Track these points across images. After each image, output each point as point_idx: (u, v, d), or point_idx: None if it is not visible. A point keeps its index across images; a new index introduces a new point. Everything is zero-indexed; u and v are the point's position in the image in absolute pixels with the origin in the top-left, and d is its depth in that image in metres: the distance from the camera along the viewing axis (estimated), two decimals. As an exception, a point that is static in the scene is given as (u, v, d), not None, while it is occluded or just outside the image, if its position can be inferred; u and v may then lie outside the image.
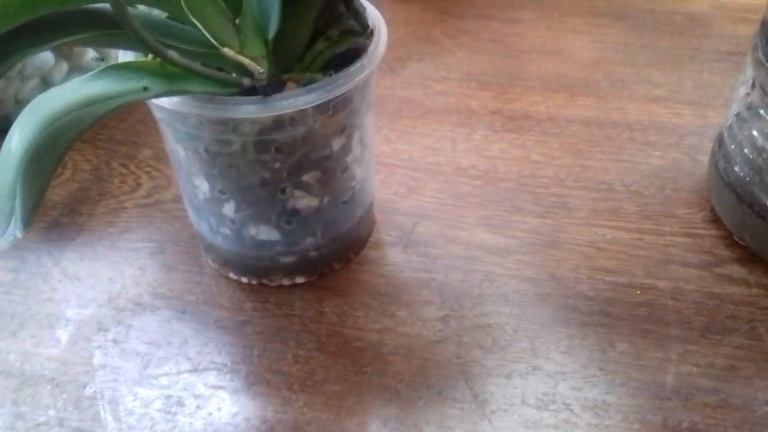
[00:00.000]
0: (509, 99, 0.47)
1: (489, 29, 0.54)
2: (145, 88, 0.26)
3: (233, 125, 0.29)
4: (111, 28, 0.25)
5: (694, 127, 0.44)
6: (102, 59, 0.46)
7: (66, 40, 0.24)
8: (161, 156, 0.43)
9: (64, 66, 0.44)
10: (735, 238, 0.36)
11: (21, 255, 0.37)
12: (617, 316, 0.33)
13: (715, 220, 0.38)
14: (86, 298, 0.35)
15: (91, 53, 0.45)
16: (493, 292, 0.34)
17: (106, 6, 0.24)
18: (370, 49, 0.30)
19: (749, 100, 0.34)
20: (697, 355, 0.31)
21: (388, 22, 0.31)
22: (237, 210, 0.32)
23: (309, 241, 0.34)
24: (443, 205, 0.39)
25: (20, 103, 0.43)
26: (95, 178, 0.42)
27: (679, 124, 0.44)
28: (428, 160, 0.43)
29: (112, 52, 0.45)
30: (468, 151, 0.43)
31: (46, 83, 0.43)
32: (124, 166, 0.42)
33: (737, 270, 0.35)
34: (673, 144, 0.43)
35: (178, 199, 0.40)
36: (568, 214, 0.39)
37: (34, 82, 0.43)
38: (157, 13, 0.29)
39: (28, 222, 0.25)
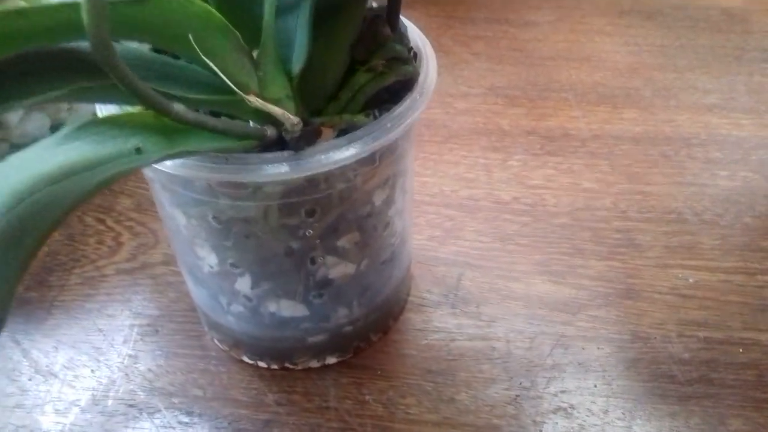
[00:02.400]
0: (543, 115, 0.41)
1: (505, 35, 0.48)
2: (138, 150, 0.19)
3: (253, 188, 0.22)
4: (91, 78, 0.18)
5: (759, 139, 0.39)
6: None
7: (31, 100, 0.17)
8: (144, 206, 0.36)
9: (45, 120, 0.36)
10: (838, 274, 0.31)
11: (-21, 346, 0.30)
12: (722, 383, 0.28)
13: (810, 252, 0.32)
14: (66, 400, 0.28)
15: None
16: (569, 360, 0.28)
17: (83, 47, 0.17)
18: (420, 79, 0.23)
19: None
20: (828, 430, 0.26)
21: None
22: (254, 285, 0.26)
23: (342, 313, 0.28)
24: (489, 250, 0.33)
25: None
26: (66, 239, 0.34)
27: (741, 136, 0.39)
28: (462, 194, 0.36)
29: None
30: (507, 181, 0.37)
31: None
32: (100, 221, 0.35)
33: None
34: (740, 160, 0.37)
35: (168, 261, 0.33)
36: (638, 253, 0.33)
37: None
38: (137, 45, 0.22)
39: (3, 314, 0.18)
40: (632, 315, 0.30)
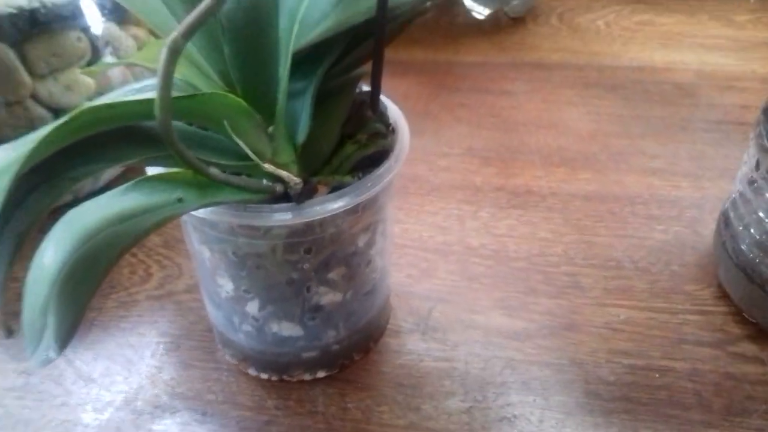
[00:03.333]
0: (512, 174, 0.48)
1: (485, 103, 0.55)
2: (180, 200, 0.26)
3: (264, 230, 0.29)
4: (156, 149, 0.25)
5: (693, 200, 0.45)
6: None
7: (113, 165, 0.24)
8: (170, 243, 0.42)
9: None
10: (744, 314, 0.37)
11: (19, 364, 0.36)
12: (638, 401, 0.34)
13: (723, 296, 0.39)
14: (103, 401, 0.34)
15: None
16: (515, 379, 0.35)
17: (149, 126, 0.24)
18: (396, 150, 0.30)
19: (755, 183, 0.35)
20: (722, 440, 0.32)
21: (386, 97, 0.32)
22: (261, 308, 0.32)
23: (331, 334, 0.34)
24: (457, 288, 0.40)
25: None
26: (103, 268, 0.41)
27: (678, 196, 0.46)
28: (438, 239, 0.43)
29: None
30: (477, 230, 0.43)
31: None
32: (133, 254, 0.42)
33: (750, 348, 0.36)
34: (675, 217, 0.44)
35: (190, 290, 0.40)
36: (581, 293, 0.39)
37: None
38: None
39: (65, 343, 0.25)
40: (571, 344, 0.36)
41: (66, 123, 0.22)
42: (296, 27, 0.27)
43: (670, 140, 0.51)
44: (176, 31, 0.21)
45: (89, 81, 0.41)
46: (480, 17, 0.64)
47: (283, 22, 0.28)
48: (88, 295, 0.26)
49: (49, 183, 0.24)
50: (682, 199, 0.45)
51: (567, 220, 0.44)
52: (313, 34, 0.28)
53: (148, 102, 0.23)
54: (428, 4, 0.28)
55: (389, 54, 0.28)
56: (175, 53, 0.21)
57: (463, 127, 0.53)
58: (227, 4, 0.27)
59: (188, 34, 0.21)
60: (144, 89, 0.28)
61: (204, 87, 0.29)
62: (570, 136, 0.51)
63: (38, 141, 0.21)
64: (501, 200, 0.46)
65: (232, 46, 0.28)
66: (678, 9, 0.65)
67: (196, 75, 0.30)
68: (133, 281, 0.40)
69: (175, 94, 0.22)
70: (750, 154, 0.36)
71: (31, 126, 0.40)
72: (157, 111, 0.22)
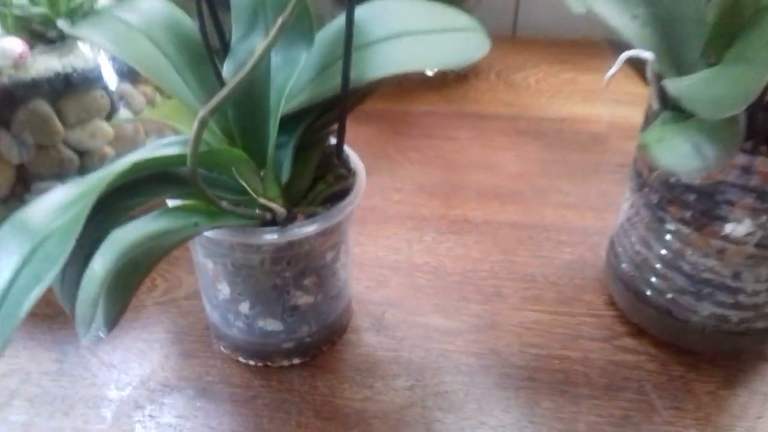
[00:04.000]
0: (452, 206, 0.59)
1: (434, 147, 0.66)
2: (196, 224, 0.36)
3: (256, 247, 0.39)
4: (181, 188, 0.35)
5: (597, 228, 0.56)
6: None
7: (152, 199, 0.34)
8: (171, 260, 0.52)
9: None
10: (627, 317, 0.48)
11: (62, 348, 0.45)
12: (541, 380, 0.44)
13: (612, 303, 0.49)
14: (123, 382, 0.43)
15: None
16: (447, 365, 0.45)
17: (179, 171, 0.34)
18: (355, 187, 0.41)
19: (630, 218, 0.46)
20: (601, 408, 0.42)
21: (350, 142, 0.42)
22: (251, 308, 0.42)
23: (305, 329, 0.44)
24: (405, 296, 0.50)
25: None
26: (117, 280, 0.50)
27: (585, 225, 0.57)
28: (390, 258, 0.53)
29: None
30: (421, 251, 0.54)
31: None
32: (142, 269, 0.51)
33: (629, 342, 0.47)
34: (581, 242, 0.55)
35: (189, 297, 0.49)
36: (502, 301, 0.50)
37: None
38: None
39: (112, 327, 0.34)
40: (492, 339, 0.47)
41: (127, 170, 0.32)
42: (283, 99, 0.38)
43: (583, 180, 0.62)
44: (204, 110, 0.31)
45: (109, 130, 0.51)
46: (430, 74, 0.75)
47: (272, 94, 0.38)
48: (130, 293, 0.35)
49: (109, 210, 0.33)
50: (587, 228, 0.57)
51: (495, 244, 0.55)
52: (295, 103, 0.38)
53: (182, 156, 0.33)
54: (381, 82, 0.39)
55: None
56: (203, 125, 0.31)
57: (414, 167, 0.64)
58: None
59: (213, 111, 0.31)
60: (170, 144, 0.38)
61: (211, 140, 0.40)
62: (502, 175, 0.63)
63: (108, 180, 0.31)
64: (442, 227, 0.56)
65: (234, 112, 0.39)
66: (597, 69, 0.77)
67: (205, 131, 0.40)
68: (142, 290, 0.50)
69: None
70: (627, 195, 0.47)
71: (62, 165, 0.49)
72: (188, 162, 0.32)
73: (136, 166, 0.32)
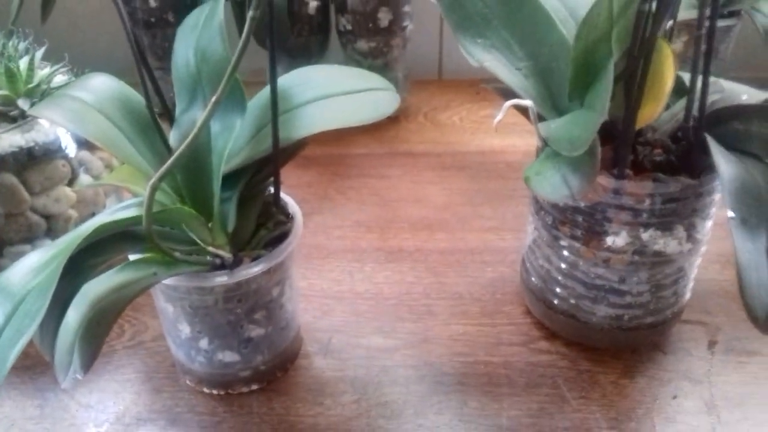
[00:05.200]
0: (387, 238, 0.66)
1: (368, 185, 0.73)
2: (155, 274, 0.42)
3: (210, 289, 0.45)
4: (139, 244, 0.41)
5: (514, 248, 0.64)
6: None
7: (115, 256, 0.40)
8: (137, 307, 0.57)
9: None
10: (541, 323, 0.55)
11: (43, 395, 0.50)
12: (468, 384, 0.51)
13: (528, 312, 0.56)
14: (100, 419, 0.48)
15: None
16: (387, 378, 0.51)
17: (137, 229, 0.40)
18: (293, 231, 0.47)
19: (534, 236, 0.54)
20: (520, 403, 0.49)
21: (294, 186, 0.49)
22: (210, 343, 0.48)
23: (259, 359, 0.50)
24: (348, 322, 0.56)
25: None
26: (87, 330, 0.55)
27: (504, 246, 0.64)
28: (334, 289, 0.60)
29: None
30: (362, 280, 0.60)
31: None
32: (109, 318, 0.56)
33: (544, 344, 0.54)
34: (501, 261, 0.62)
35: (155, 339, 0.55)
36: (433, 318, 0.56)
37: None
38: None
39: (87, 369, 0.40)
40: (425, 352, 0.53)
41: (92, 232, 0.38)
42: (223, 160, 0.44)
43: (501, 205, 0.70)
44: (154, 177, 0.37)
45: (72, 194, 0.56)
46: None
47: (214, 157, 0.45)
48: (102, 339, 0.41)
49: (79, 268, 0.39)
50: (506, 248, 0.64)
51: (427, 268, 0.62)
52: (234, 163, 0.45)
53: (138, 217, 0.39)
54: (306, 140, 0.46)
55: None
56: (154, 190, 0.37)
57: (352, 205, 0.70)
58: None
59: (162, 178, 0.37)
60: (128, 206, 0.44)
61: (164, 199, 0.46)
62: (430, 207, 0.70)
63: (76, 242, 0.37)
64: (380, 258, 0.63)
65: (182, 174, 0.45)
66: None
67: (158, 192, 0.46)
68: (112, 336, 0.55)
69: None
70: (530, 219, 0.55)
71: (30, 230, 0.55)
72: (144, 222, 0.38)
73: (100, 229, 0.38)
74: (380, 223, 0.68)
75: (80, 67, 0.60)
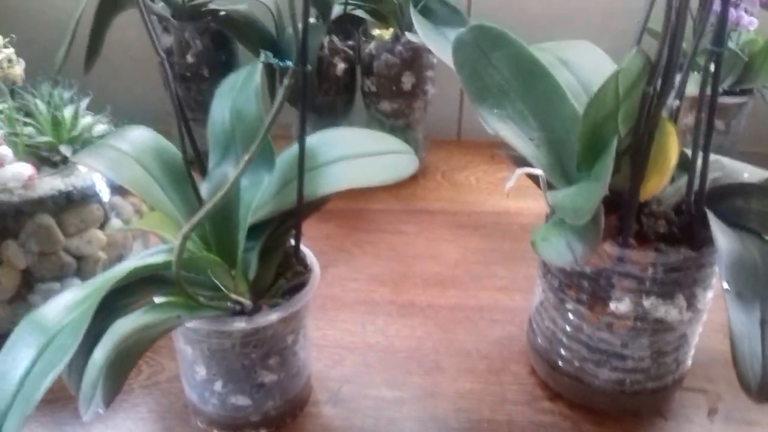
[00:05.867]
0: (400, 292, 0.68)
1: (385, 240, 0.76)
2: (179, 317, 0.44)
3: (228, 333, 0.47)
4: (167, 287, 0.43)
5: (523, 308, 0.65)
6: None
7: (144, 298, 0.43)
8: (155, 348, 0.60)
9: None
10: (545, 383, 0.57)
11: (62, 429, 0.52)
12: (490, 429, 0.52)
13: (534, 372, 0.58)
14: (114, 455, 0.50)
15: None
16: (394, 429, 0.52)
17: (166, 274, 0.43)
18: (310, 282, 0.50)
19: (541, 298, 0.56)
20: (522, 462, 0.50)
21: (313, 237, 0.51)
22: (224, 386, 0.50)
23: (270, 404, 0.51)
24: (358, 372, 0.58)
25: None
26: (107, 367, 0.58)
27: (513, 305, 0.66)
28: (347, 340, 0.62)
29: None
30: (374, 332, 0.62)
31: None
32: (129, 357, 0.59)
33: (548, 405, 0.55)
34: (510, 320, 0.64)
35: (170, 380, 0.57)
36: (441, 373, 0.58)
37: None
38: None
39: (108, 404, 0.42)
40: (431, 406, 0.55)
41: (125, 276, 0.40)
42: (250, 213, 0.47)
43: (512, 266, 0.72)
44: (186, 227, 0.40)
45: (103, 237, 0.60)
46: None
47: (241, 209, 0.48)
48: (124, 377, 0.43)
49: (108, 309, 0.42)
50: (515, 308, 0.66)
51: (437, 324, 0.64)
52: (259, 215, 0.48)
53: (168, 262, 0.42)
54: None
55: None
56: (186, 238, 0.40)
57: (368, 258, 0.73)
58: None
59: (193, 229, 0.40)
60: (157, 252, 0.47)
61: (191, 247, 0.48)
62: (444, 264, 0.72)
63: (110, 284, 0.40)
64: (392, 311, 0.65)
65: (210, 224, 0.48)
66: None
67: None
68: (130, 375, 0.57)
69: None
70: (537, 281, 0.57)
71: (62, 269, 0.58)
72: (173, 268, 0.41)
73: (133, 273, 0.41)
74: (394, 277, 0.70)
75: (118, 115, 0.64)
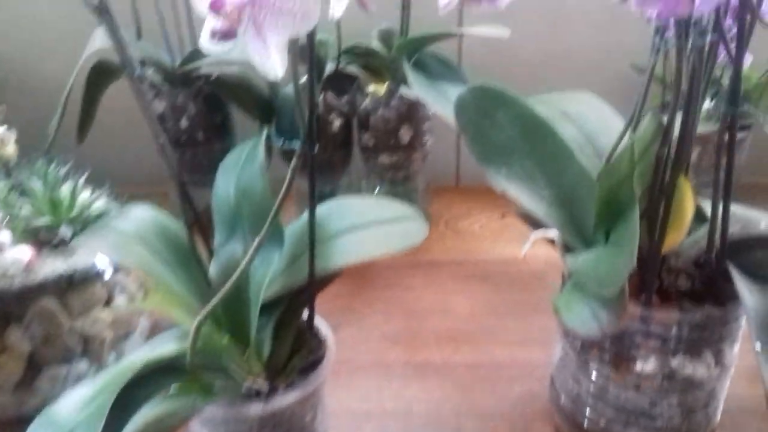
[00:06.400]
0: (415, 351, 0.66)
1: (394, 296, 0.74)
2: (195, 404, 0.43)
3: (245, 417, 0.45)
4: (183, 375, 0.42)
5: (542, 362, 0.64)
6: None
7: (159, 390, 0.41)
8: (167, 428, 0.58)
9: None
10: (572, 443, 0.55)
11: None
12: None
13: (558, 430, 0.56)
14: None
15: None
16: (419, 504, 0.51)
17: (181, 361, 0.42)
18: (326, 357, 0.48)
19: (562, 356, 0.54)
20: None
21: (320, 299, 0.49)
22: (243, 469, 0.48)
23: (290, 484, 0.50)
24: (377, 441, 0.56)
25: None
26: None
27: (531, 359, 0.65)
28: (363, 408, 0.60)
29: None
30: (390, 396, 0.61)
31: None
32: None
33: (575, 466, 0.53)
34: (528, 375, 0.63)
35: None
36: (462, 438, 0.56)
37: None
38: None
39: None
40: (457, 475, 0.53)
41: (139, 369, 0.39)
42: (261, 292, 0.46)
43: (526, 317, 0.70)
44: (200, 316, 0.39)
45: (108, 316, 0.58)
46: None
47: (253, 288, 0.46)
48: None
49: (122, 403, 0.40)
50: (533, 362, 0.64)
51: (454, 384, 0.62)
52: (271, 292, 0.46)
53: (184, 350, 0.40)
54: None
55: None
56: (199, 328, 0.39)
57: (378, 316, 0.71)
58: (218, 280, 0.45)
59: (206, 317, 0.39)
60: (168, 339, 0.45)
61: (203, 328, 0.47)
62: (455, 318, 0.71)
63: (124, 379, 0.38)
64: (408, 372, 0.64)
65: (221, 304, 0.47)
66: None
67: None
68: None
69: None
70: (558, 339, 0.55)
71: (68, 351, 0.56)
72: (188, 358, 0.39)
73: (146, 366, 0.40)
74: (406, 335, 0.69)
75: (115, 178, 0.62)
